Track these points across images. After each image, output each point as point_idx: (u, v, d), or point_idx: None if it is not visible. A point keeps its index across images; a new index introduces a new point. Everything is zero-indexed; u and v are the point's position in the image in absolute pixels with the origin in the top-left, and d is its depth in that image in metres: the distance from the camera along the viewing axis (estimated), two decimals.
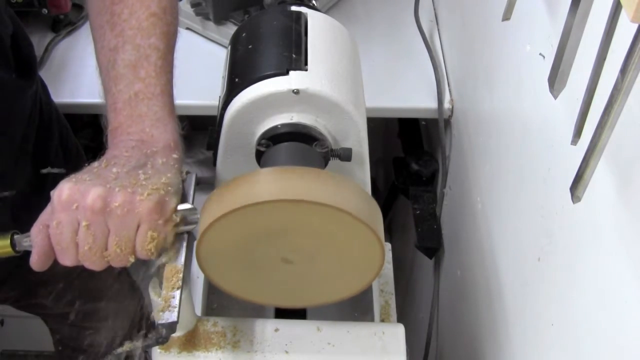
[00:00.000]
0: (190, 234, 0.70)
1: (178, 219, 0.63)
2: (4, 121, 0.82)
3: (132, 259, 0.62)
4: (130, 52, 0.67)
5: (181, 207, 0.63)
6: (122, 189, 0.60)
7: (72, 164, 1.00)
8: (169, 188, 0.62)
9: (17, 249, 0.64)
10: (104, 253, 0.61)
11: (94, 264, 0.61)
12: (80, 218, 0.59)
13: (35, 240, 0.62)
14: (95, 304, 1.17)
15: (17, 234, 0.64)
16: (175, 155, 0.65)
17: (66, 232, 0.60)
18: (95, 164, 0.63)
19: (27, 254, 0.63)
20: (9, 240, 0.63)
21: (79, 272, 1.07)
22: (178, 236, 0.67)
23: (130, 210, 0.59)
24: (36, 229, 0.62)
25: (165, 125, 0.66)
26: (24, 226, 0.64)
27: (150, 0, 0.70)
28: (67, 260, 0.61)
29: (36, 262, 0.62)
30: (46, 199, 0.62)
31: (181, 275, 0.65)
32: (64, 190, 0.60)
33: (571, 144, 0.49)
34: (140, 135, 0.65)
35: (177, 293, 0.65)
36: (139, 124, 0.65)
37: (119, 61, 0.67)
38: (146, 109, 0.66)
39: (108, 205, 0.59)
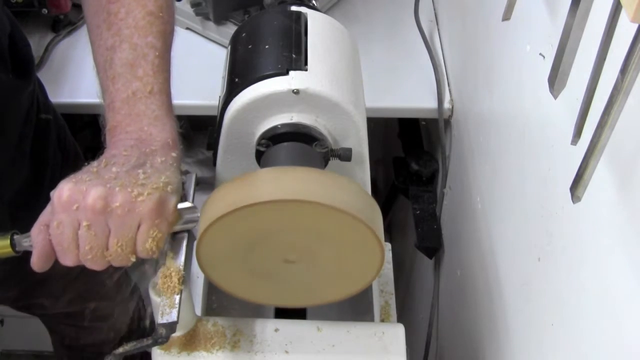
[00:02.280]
0: (190, 233, 0.70)
1: (178, 218, 0.63)
2: (0, 121, 0.82)
3: (133, 258, 0.61)
4: (127, 51, 0.67)
5: (181, 205, 0.63)
6: (122, 188, 0.59)
7: (70, 165, 1.00)
8: (169, 187, 0.62)
9: (17, 249, 0.63)
10: (105, 253, 0.61)
11: (96, 264, 0.61)
12: (81, 218, 0.59)
13: (35, 240, 0.61)
14: (94, 304, 1.17)
15: (17, 234, 0.64)
16: (174, 154, 0.65)
17: (67, 232, 0.60)
18: (95, 163, 0.63)
19: (27, 253, 0.63)
20: (8, 241, 0.63)
21: (78, 273, 1.07)
22: (178, 235, 0.67)
23: (130, 209, 0.59)
24: (36, 229, 0.62)
25: (163, 124, 0.66)
26: (23, 224, 0.64)
27: None
28: (68, 260, 0.61)
29: (37, 263, 0.62)
30: (45, 198, 0.62)
31: (181, 275, 0.65)
32: (64, 191, 0.59)
33: (571, 144, 0.49)
34: (138, 134, 0.64)
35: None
36: (137, 123, 0.65)
37: (116, 60, 0.67)
38: (144, 108, 0.65)
39: (109, 205, 0.59)
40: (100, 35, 0.69)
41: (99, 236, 0.60)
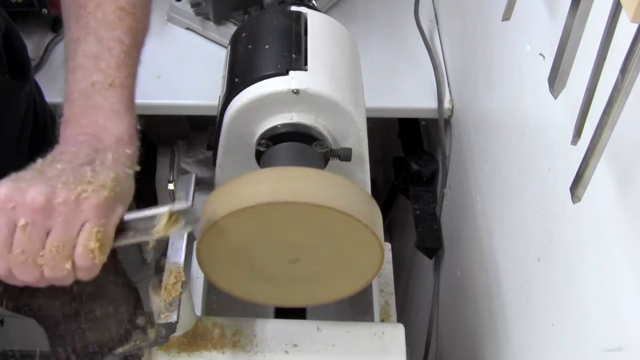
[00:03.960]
0: (190, 233, 0.70)
1: (174, 221, 0.58)
2: None
3: (68, 266, 0.56)
4: (92, 43, 0.63)
5: (177, 206, 0.59)
6: (66, 185, 0.55)
7: None
8: (117, 187, 0.57)
9: None
10: (39, 258, 0.55)
11: (25, 271, 0.56)
12: (18, 218, 0.54)
13: None
14: (91, 305, 1.17)
15: None
16: (128, 151, 0.61)
17: (0, 235, 0.54)
18: (40, 161, 0.59)
19: None
20: None
21: None
22: (178, 235, 0.67)
23: (74, 208, 0.55)
24: None
25: (120, 118, 0.61)
26: None
27: None
28: None
29: None
30: None
31: (181, 275, 0.65)
32: (1, 189, 0.55)
33: (571, 144, 0.49)
34: (92, 128, 0.60)
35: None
36: (92, 115, 0.61)
37: (79, 51, 0.64)
38: (102, 100, 0.61)
39: (50, 202, 0.54)
40: (69, 28, 0.67)
41: (34, 239, 0.55)
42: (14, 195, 0.55)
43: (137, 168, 0.62)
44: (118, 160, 0.59)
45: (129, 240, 0.59)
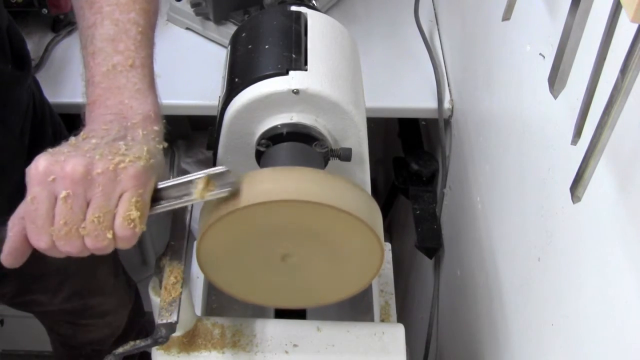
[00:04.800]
0: (190, 233, 0.70)
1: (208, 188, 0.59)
2: (2, 110, 0.82)
3: (109, 235, 0.56)
4: (108, 27, 0.65)
5: (213, 170, 0.60)
6: (103, 157, 0.56)
7: None
8: (151, 159, 0.59)
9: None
10: (80, 229, 0.56)
11: (69, 243, 0.56)
12: (58, 190, 0.55)
13: (11, 232, 0.57)
14: (91, 301, 1.17)
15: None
16: (156, 128, 0.62)
17: (41, 207, 0.55)
18: (72, 139, 0.60)
19: None
20: None
21: (75, 268, 1.07)
22: (179, 234, 0.67)
23: (112, 179, 0.56)
24: (13, 220, 0.58)
25: (145, 97, 0.63)
26: None
27: None
28: (42, 241, 0.56)
29: (7, 255, 0.58)
30: None
31: (181, 275, 0.65)
32: (40, 162, 0.56)
33: (571, 144, 0.49)
34: (118, 108, 0.62)
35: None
36: (117, 96, 0.62)
37: (97, 36, 0.65)
38: (125, 81, 0.63)
39: (89, 172, 0.55)
40: (82, 16, 0.68)
41: (75, 210, 0.55)
42: (54, 167, 0.56)
43: (165, 144, 0.63)
44: (147, 135, 0.61)
45: (163, 207, 0.60)
